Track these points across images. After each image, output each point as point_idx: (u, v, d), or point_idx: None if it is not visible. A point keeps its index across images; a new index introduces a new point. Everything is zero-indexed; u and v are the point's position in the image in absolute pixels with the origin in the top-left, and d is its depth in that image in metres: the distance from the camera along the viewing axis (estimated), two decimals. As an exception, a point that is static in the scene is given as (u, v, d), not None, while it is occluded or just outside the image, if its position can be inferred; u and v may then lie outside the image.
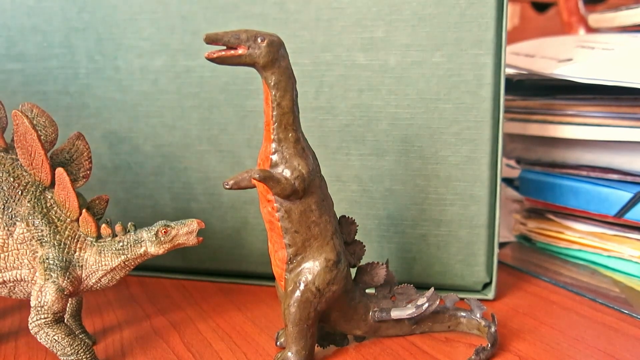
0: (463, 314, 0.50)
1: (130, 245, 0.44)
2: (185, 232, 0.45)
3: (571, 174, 0.68)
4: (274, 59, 0.40)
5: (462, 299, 0.54)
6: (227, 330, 0.52)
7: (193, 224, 0.45)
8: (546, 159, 0.71)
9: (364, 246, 0.47)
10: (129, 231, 0.45)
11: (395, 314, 0.47)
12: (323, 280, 0.43)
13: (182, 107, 0.60)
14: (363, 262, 0.49)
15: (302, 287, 0.43)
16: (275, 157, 0.42)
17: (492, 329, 0.47)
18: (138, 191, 0.63)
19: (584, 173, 0.67)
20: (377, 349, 0.48)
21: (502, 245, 0.74)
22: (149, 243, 0.44)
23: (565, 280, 0.62)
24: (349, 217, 0.47)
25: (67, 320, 0.49)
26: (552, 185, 0.69)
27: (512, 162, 0.76)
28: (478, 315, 0.49)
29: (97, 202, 0.46)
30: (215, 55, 0.40)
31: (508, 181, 0.76)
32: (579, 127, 0.66)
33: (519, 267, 0.66)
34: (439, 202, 0.57)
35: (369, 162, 0.57)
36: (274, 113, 0.41)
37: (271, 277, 0.49)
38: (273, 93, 0.41)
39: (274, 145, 0.42)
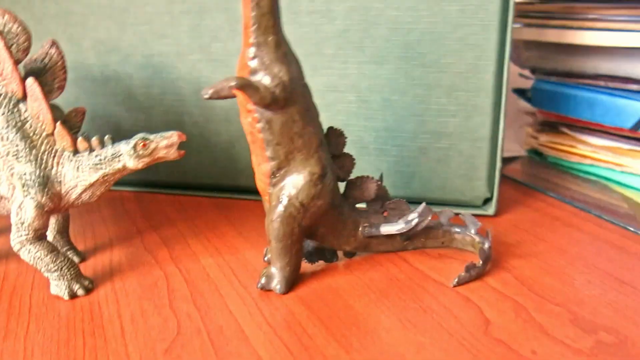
0: (457, 229, 0.48)
1: (108, 160, 0.42)
2: (165, 145, 0.43)
3: (588, 84, 0.64)
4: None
5: (457, 214, 0.52)
6: (217, 245, 0.51)
7: (173, 137, 0.43)
8: (563, 68, 0.66)
9: (354, 159, 0.45)
10: (106, 145, 0.43)
11: (385, 229, 0.45)
12: (307, 195, 0.42)
13: (171, 13, 0.57)
14: (356, 176, 0.46)
15: (285, 201, 0.41)
16: (254, 63, 0.39)
17: (486, 246, 0.45)
18: (130, 104, 0.61)
19: (602, 83, 0.63)
20: (367, 265, 0.47)
21: (511, 159, 0.71)
22: (127, 157, 0.42)
23: (572, 195, 0.59)
24: (336, 128, 0.44)
25: (54, 237, 0.48)
26: (566, 96, 0.65)
27: (527, 72, 0.71)
28: (472, 231, 0.47)
29: (73, 114, 0.44)
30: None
31: (520, 92, 0.72)
32: (601, 32, 0.61)
33: (526, 182, 0.63)
34: (440, 113, 0.53)
35: (367, 71, 0.54)
36: (253, 14, 0.38)
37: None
38: (247, -6, 0.38)
39: (252, 49, 0.39)
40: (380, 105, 0.55)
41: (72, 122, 0.44)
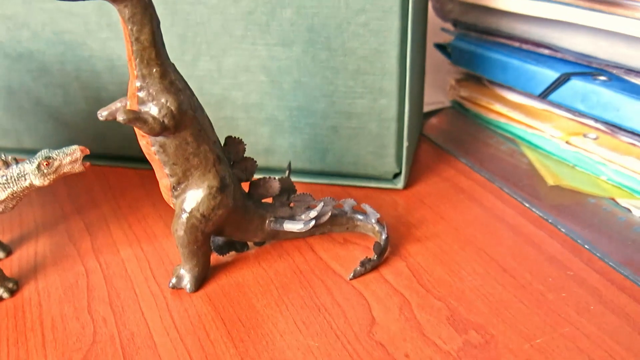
0: (360, 217, 0.51)
1: (14, 179, 0.44)
2: (69, 161, 0.44)
3: (503, 43, 0.65)
4: (124, -9, 0.37)
5: (359, 205, 0.55)
6: (138, 232, 0.54)
7: (76, 152, 0.44)
8: (482, 24, 0.67)
9: (255, 162, 0.47)
10: (11, 165, 0.44)
11: (287, 226, 0.48)
12: (207, 207, 0.44)
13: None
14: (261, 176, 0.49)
15: (187, 214, 0.44)
16: (141, 94, 0.40)
17: (382, 237, 0.49)
18: (46, 79, 0.61)
19: (517, 44, 0.65)
20: (275, 254, 0.50)
21: (434, 112, 0.74)
22: (32, 176, 0.44)
23: (482, 161, 0.62)
24: (235, 137, 0.46)
25: None
26: (482, 57, 0.66)
27: (448, 26, 0.72)
28: (373, 220, 0.50)
29: None
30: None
31: (441, 47, 0.73)
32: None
33: (442, 144, 0.66)
34: (348, 95, 0.55)
35: (276, 53, 0.55)
36: (134, 49, 0.39)
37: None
38: (129, 28, 0.38)
39: (138, 82, 0.40)
40: (292, 86, 0.56)
41: None
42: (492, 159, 0.63)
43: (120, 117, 0.39)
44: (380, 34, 0.52)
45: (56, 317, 0.45)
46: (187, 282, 0.46)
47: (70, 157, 0.44)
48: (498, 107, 0.67)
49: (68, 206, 0.58)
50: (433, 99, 0.75)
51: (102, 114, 0.43)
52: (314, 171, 0.60)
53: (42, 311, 0.45)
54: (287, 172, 0.51)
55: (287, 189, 0.50)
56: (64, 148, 0.44)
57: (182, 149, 0.42)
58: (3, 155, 0.45)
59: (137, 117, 0.39)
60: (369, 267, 0.47)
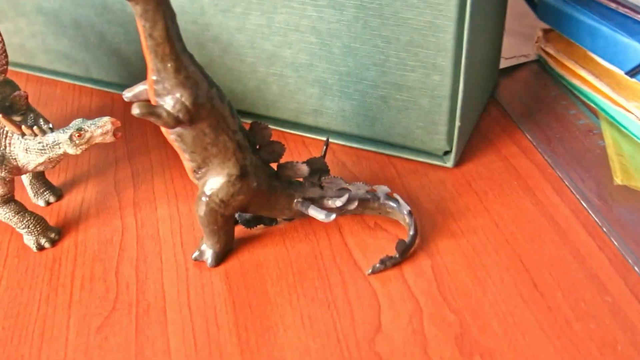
0: (393, 204, 0.49)
1: (50, 146, 0.45)
2: (100, 133, 0.45)
3: (597, 2, 0.57)
4: (133, -13, 0.35)
5: (392, 193, 0.52)
6: (178, 188, 0.55)
7: (107, 125, 0.45)
8: (579, -25, 0.59)
9: (283, 146, 0.46)
10: (47, 132, 0.46)
11: (312, 213, 0.47)
12: (226, 193, 0.44)
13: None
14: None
15: (206, 197, 0.44)
16: (157, 87, 0.39)
17: (410, 233, 0.47)
18: (108, 16, 0.61)
19: (613, 5, 0.56)
20: (302, 232, 0.50)
21: (514, 67, 0.67)
22: (65, 145, 0.45)
23: (549, 139, 0.57)
24: (260, 122, 0.44)
25: (30, 181, 0.54)
26: (570, 17, 0.58)
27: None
28: (404, 211, 0.48)
29: (17, 99, 0.46)
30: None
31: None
32: None
33: (510, 112, 0.60)
34: (399, 67, 0.51)
35: (326, 15, 0.51)
36: (147, 44, 0.37)
37: (238, 113, 0.54)
38: (142, 24, 0.37)
39: (154, 76, 0.39)
40: (342, 51, 0.52)
41: (16, 105, 0.46)
42: (562, 137, 0.57)
43: (134, 111, 0.38)
44: (435, 6, 0.47)
45: (86, 276, 0.47)
46: (208, 256, 0.47)
47: (101, 130, 0.45)
48: (583, 73, 0.60)
49: (121, 149, 0.60)
50: (515, 50, 0.68)
51: (127, 95, 0.43)
52: (362, 137, 0.57)
53: (75, 266, 0.48)
54: (323, 150, 0.49)
55: (319, 169, 0.48)
56: (96, 119, 0.45)
57: (200, 139, 0.41)
58: (42, 122, 0.46)
59: (150, 112, 0.39)
60: (389, 264, 0.46)
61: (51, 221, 0.52)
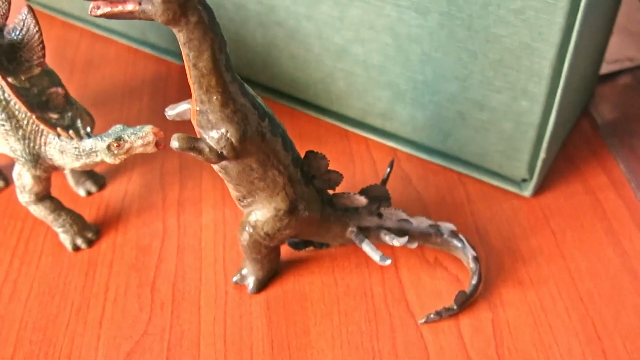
0: (457, 243, 0.44)
1: (86, 153, 0.42)
2: (141, 144, 0.41)
3: None
4: (176, 16, 0.30)
5: (457, 231, 0.46)
6: (226, 189, 0.51)
7: (148, 136, 0.41)
8: None
9: (341, 175, 0.41)
10: (84, 137, 0.42)
11: (366, 249, 0.42)
12: (272, 227, 0.40)
13: None
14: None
15: (251, 229, 0.40)
16: (201, 119, 0.34)
17: (472, 282, 0.42)
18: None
19: None
20: (353, 262, 0.46)
21: (621, 72, 0.59)
22: (103, 154, 0.41)
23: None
24: (317, 153, 0.39)
25: (70, 170, 0.50)
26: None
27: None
28: (469, 255, 0.43)
29: (54, 96, 0.43)
30: (99, 13, 0.30)
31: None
32: None
33: (603, 131, 0.53)
34: (483, 85, 0.45)
35: (407, 17, 0.44)
36: (191, 74, 0.32)
37: (299, 102, 0.51)
38: (186, 52, 0.32)
39: (198, 106, 0.34)
40: (420, 58, 0.46)
41: (54, 102, 0.43)
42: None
43: (173, 145, 0.34)
44: (535, 28, 0.39)
45: (121, 287, 0.45)
46: (249, 282, 0.44)
47: (142, 141, 0.41)
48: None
49: (169, 132, 0.56)
50: (619, 52, 0.59)
51: (169, 113, 0.38)
52: (433, 149, 0.52)
53: (111, 274, 0.46)
54: (386, 174, 0.44)
55: (379, 196, 0.43)
56: (138, 128, 0.41)
57: (247, 173, 0.37)
58: (80, 124, 0.42)
59: (191, 147, 0.34)
60: (445, 316, 0.41)
61: (90, 214, 0.50)
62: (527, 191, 0.48)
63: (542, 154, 0.45)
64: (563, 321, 0.41)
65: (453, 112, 0.47)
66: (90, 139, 0.41)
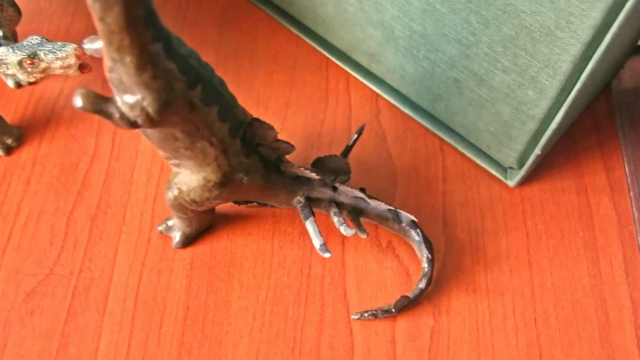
0: (415, 237, 0.38)
1: (2, 61, 0.35)
2: (60, 66, 0.34)
3: None
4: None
5: (416, 223, 0.39)
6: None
7: (70, 59, 0.33)
8: None
9: (292, 146, 0.34)
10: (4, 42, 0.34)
11: (308, 227, 0.37)
12: (200, 197, 0.34)
13: None
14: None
15: (176, 192, 0.34)
16: (113, 76, 0.27)
17: (419, 286, 0.37)
18: None
19: None
20: (297, 231, 0.40)
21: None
22: (14, 68, 0.34)
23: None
24: (265, 122, 0.32)
25: None
26: None
27: None
28: (424, 255, 0.38)
29: None
30: None
31: None
32: None
33: (619, 119, 0.46)
34: (489, 59, 0.37)
35: (414, -44, 0.36)
36: (100, 28, 0.25)
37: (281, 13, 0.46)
38: (91, 3, 0.24)
39: (109, 63, 0.27)
40: (422, 7, 0.38)
41: None
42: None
43: (76, 103, 0.27)
44: (564, 15, 0.31)
45: (34, 211, 0.40)
46: (175, 235, 0.39)
47: (62, 62, 0.34)
48: None
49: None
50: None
51: (87, 46, 0.31)
52: (417, 106, 0.44)
53: (26, 193, 0.40)
54: (352, 141, 0.38)
55: (337, 169, 0.37)
56: (59, 45, 0.33)
57: (169, 142, 0.30)
58: None
59: (98, 110, 0.27)
60: (380, 316, 0.37)
61: (15, 113, 0.43)
62: (512, 181, 0.42)
63: (537, 151, 0.38)
64: (508, 344, 0.37)
65: (449, 76, 0.40)
66: (1, 47, 0.34)
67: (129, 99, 0.27)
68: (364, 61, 0.45)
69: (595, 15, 0.30)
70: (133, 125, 0.28)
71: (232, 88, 0.45)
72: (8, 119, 0.43)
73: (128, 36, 0.25)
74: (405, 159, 0.43)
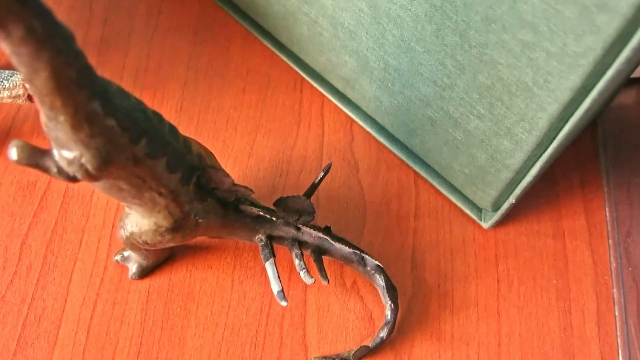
0: (379, 281, 0.37)
1: None
2: (8, 96, 0.32)
3: None
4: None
5: (382, 269, 0.38)
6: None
7: (17, 89, 0.32)
8: None
9: (250, 190, 0.33)
10: None
11: (268, 270, 0.35)
12: (152, 239, 0.32)
13: None
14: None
15: (127, 232, 0.33)
16: (49, 131, 0.25)
17: (379, 335, 0.36)
18: None
19: None
20: (260, 265, 0.39)
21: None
22: (-43, 91, 0.33)
23: (633, 224, 0.42)
24: (220, 170, 0.31)
25: None
26: None
27: None
28: (388, 303, 0.36)
29: None
30: None
31: None
32: None
33: (603, 153, 0.44)
34: (463, 104, 0.35)
35: (392, -9, 0.33)
36: (30, 88, 0.23)
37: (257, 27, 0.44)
38: (16, 65, 0.22)
39: (44, 119, 0.25)
40: (397, 43, 0.36)
41: None
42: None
43: (12, 155, 0.25)
44: (542, 73, 0.29)
45: (-11, 232, 0.38)
46: (132, 266, 0.37)
47: (9, 92, 0.32)
48: None
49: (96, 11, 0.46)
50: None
51: (27, 85, 0.29)
52: (392, 137, 0.43)
53: (-18, 212, 0.39)
54: (318, 180, 0.36)
55: (302, 210, 0.36)
56: (7, 74, 0.32)
57: (115, 191, 0.29)
58: None
59: (34, 164, 0.26)
60: (338, 363, 0.36)
61: (-25, 126, 0.42)
62: (486, 223, 0.40)
63: (512, 199, 0.37)
64: (469, 397, 0.36)
65: (424, 114, 0.38)
66: None
67: (67, 154, 0.25)
68: (339, 85, 0.43)
69: (574, 78, 0.28)
70: (72, 179, 0.26)
71: (201, 107, 0.44)
72: (-34, 130, 0.41)
73: (59, 98, 0.23)
74: (377, 192, 0.41)
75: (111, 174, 0.27)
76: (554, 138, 0.32)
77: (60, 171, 0.26)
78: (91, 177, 0.26)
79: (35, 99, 0.23)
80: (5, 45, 0.21)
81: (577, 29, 0.26)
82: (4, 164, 0.40)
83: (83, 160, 0.25)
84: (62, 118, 0.24)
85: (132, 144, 0.26)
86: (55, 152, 0.26)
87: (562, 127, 0.31)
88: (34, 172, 0.40)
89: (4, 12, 0.19)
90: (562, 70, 0.28)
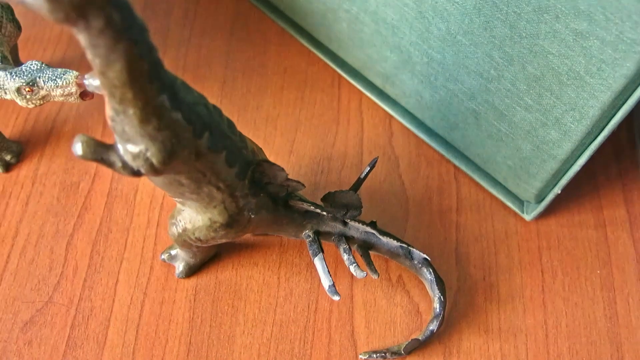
0: (427, 275, 0.37)
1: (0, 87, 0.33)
2: (60, 94, 0.32)
3: None
4: (70, 18, 0.20)
5: (429, 262, 0.38)
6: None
7: (70, 87, 0.32)
8: None
9: (302, 185, 0.33)
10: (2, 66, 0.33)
11: (317, 265, 0.35)
12: (206, 236, 0.33)
13: None
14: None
15: (180, 229, 0.33)
16: (115, 125, 0.26)
17: (429, 328, 0.36)
18: None
19: None
20: (305, 261, 0.39)
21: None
22: (13, 95, 0.33)
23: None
24: (274, 164, 0.31)
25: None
26: None
27: None
28: (436, 296, 0.36)
29: None
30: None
31: None
32: None
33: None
34: (511, 95, 0.35)
35: (438, -15, 0.34)
36: (102, 81, 0.23)
37: (294, 25, 0.45)
38: (91, 57, 0.22)
39: (110, 112, 0.25)
40: (443, 36, 0.36)
41: None
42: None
43: (76, 152, 0.26)
44: (595, 61, 0.29)
45: (33, 234, 0.38)
46: (179, 264, 0.38)
47: (62, 91, 0.32)
48: None
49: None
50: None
51: (90, 83, 0.29)
52: (432, 131, 0.43)
53: (24, 214, 0.39)
54: (364, 175, 0.36)
55: (348, 204, 0.36)
56: (59, 72, 0.32)
57: (174, 186, 0.29)
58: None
59: (99, 159, 0.26)
60: (389, 358, 0.36)
61: (15, 127, 0.42)
62: (529, 215, 0.40)
63: (557, 190, 0.37)
64: (520, 389, 0.36)
65: (467, 107, 0.38)
66: (7, 71, 0.32)
67: (132, 148, 0.25)
68: (378, 82, 0.43)
69: (629, 65, 0.28)
70: (136, 174, 0.26)
71: (240, 106, 0.44)
72: (7, 132, 0.41)
73: (131, 90, 0.23)
74: (418, 187, 0.42)
75: (173, 168, 0.27)
76: (604, 127, 0.32)
77: (125, 165, 0.26)
78: (155, 171, 0.26)
79: (105, 91, 0.23)
80: (84, 36, 0.21)
81: (635, 16, 0.26)
82: (46, 165, 0.40)
83: (148, 154, 0.25)
84: (131, 111, 0.24)
85: (196, 137, 0.26)
86: (119, 147, 0.26)
87: (614, 114, 0.31)
88: (77, 173, 0.40)
89: (85, 3, 0.20)
90: (616, 58, 0.28)
